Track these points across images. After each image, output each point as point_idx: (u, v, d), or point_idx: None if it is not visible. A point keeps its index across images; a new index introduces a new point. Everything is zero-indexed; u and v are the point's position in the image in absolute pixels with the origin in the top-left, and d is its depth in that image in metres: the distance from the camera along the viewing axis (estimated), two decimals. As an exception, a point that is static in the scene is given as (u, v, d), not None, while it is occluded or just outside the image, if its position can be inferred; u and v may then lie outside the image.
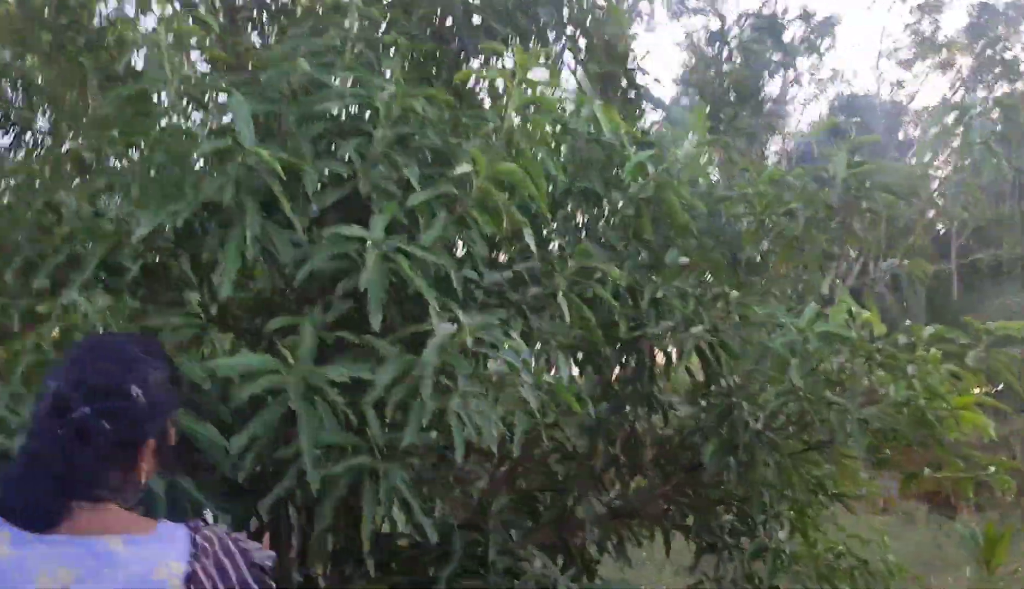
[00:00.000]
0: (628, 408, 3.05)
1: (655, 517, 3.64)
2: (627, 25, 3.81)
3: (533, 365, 2.22)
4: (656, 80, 4.34)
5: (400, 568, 3.00)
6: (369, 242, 1.88)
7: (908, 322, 2.96)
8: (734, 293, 3.12)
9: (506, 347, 2.14)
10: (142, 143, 1.92)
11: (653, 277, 2.98)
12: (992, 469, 3.60)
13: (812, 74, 14.78)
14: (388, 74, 2.13)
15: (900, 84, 14.99)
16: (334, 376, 1.82)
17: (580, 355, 2.60)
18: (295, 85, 2.05)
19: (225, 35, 2.36)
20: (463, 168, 2.05)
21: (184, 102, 1.94)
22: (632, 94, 3.90)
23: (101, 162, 2.13)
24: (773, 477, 3.26)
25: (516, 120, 2.28)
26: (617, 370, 3.09)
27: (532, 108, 2.55)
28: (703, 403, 3.04)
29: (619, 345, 2.82)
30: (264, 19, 2.58)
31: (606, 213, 3.06)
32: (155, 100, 1.96)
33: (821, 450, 3.30)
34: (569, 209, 3.06)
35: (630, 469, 3.24)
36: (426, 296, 1.90)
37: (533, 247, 2.37)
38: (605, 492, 3.50)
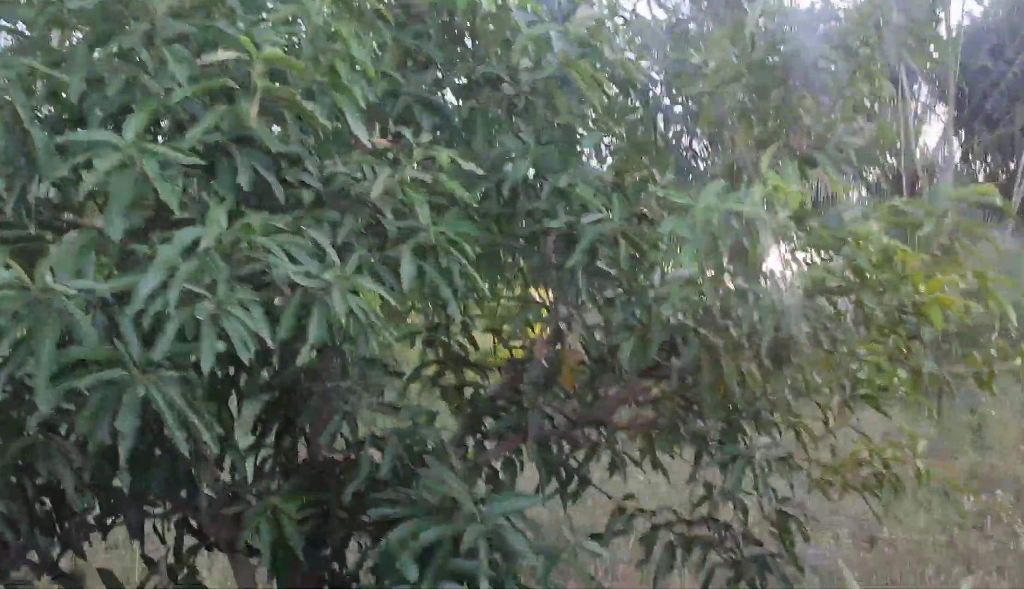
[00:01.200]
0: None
1: (625, 427, 3.42)
2: None
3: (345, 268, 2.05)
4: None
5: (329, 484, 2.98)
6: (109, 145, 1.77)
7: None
8: (668, 176, 2.79)
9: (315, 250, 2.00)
10: None
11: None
12: (1019, 361, 3.13)
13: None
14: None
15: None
16: (78, 288, 1.76)
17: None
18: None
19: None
20: (222, 55, 1.88)
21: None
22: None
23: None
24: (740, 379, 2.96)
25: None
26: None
27: None
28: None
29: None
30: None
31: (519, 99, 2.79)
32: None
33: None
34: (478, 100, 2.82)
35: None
36: (167, 200, 1.78)
37: (365, 140, 2.18)
38: (564, 400, 3.31)
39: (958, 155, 19.59)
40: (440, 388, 3.76)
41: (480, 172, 2.40)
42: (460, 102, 2.82)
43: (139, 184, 1.85)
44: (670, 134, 3.17)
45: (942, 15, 17.21)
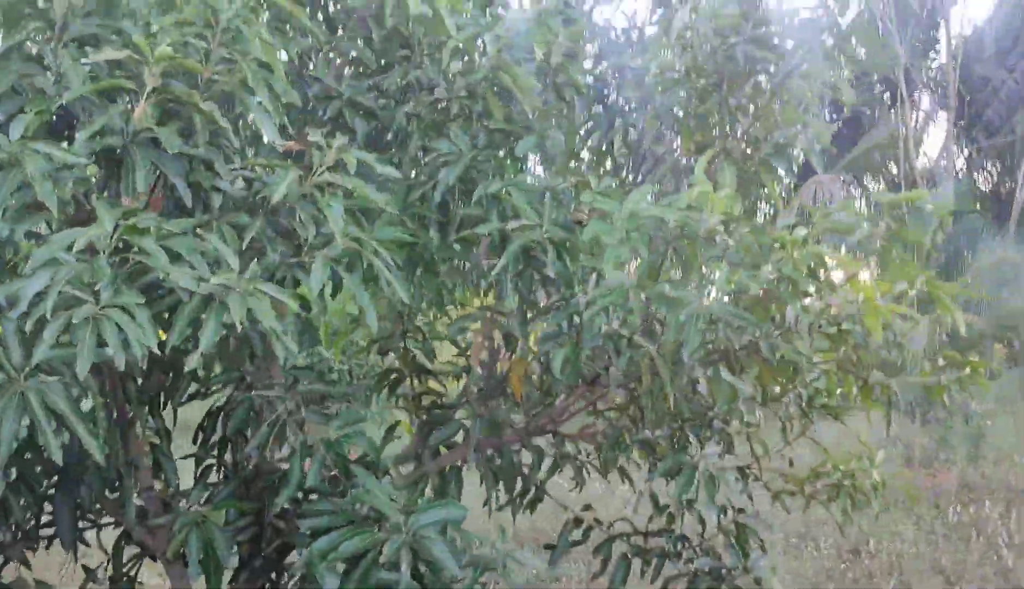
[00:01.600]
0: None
1: (573, 436, 3.37)
2: None
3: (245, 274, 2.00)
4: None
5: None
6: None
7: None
8: (606, 181, 2.73)
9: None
10: None
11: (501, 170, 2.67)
12: (967, 370, 3.05)
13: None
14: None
15: None
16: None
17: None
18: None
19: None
20: (110, 54, 1.85)
21: None
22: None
23: None
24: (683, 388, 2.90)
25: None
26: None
27: None
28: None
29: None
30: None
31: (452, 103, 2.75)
32: None
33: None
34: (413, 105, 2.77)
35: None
36: (45, 201, 1.75)
37: (276, 142, 2.14)
38: (517, 409, 3.25)
39: (961, 164, 19.38)
40: (397, 397, 3.72)
41: (397, 175, 2.35)
42: (395, 107, 2.78)
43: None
44: (627, 139, 3.13)
45: (942, 23, 17.16)
